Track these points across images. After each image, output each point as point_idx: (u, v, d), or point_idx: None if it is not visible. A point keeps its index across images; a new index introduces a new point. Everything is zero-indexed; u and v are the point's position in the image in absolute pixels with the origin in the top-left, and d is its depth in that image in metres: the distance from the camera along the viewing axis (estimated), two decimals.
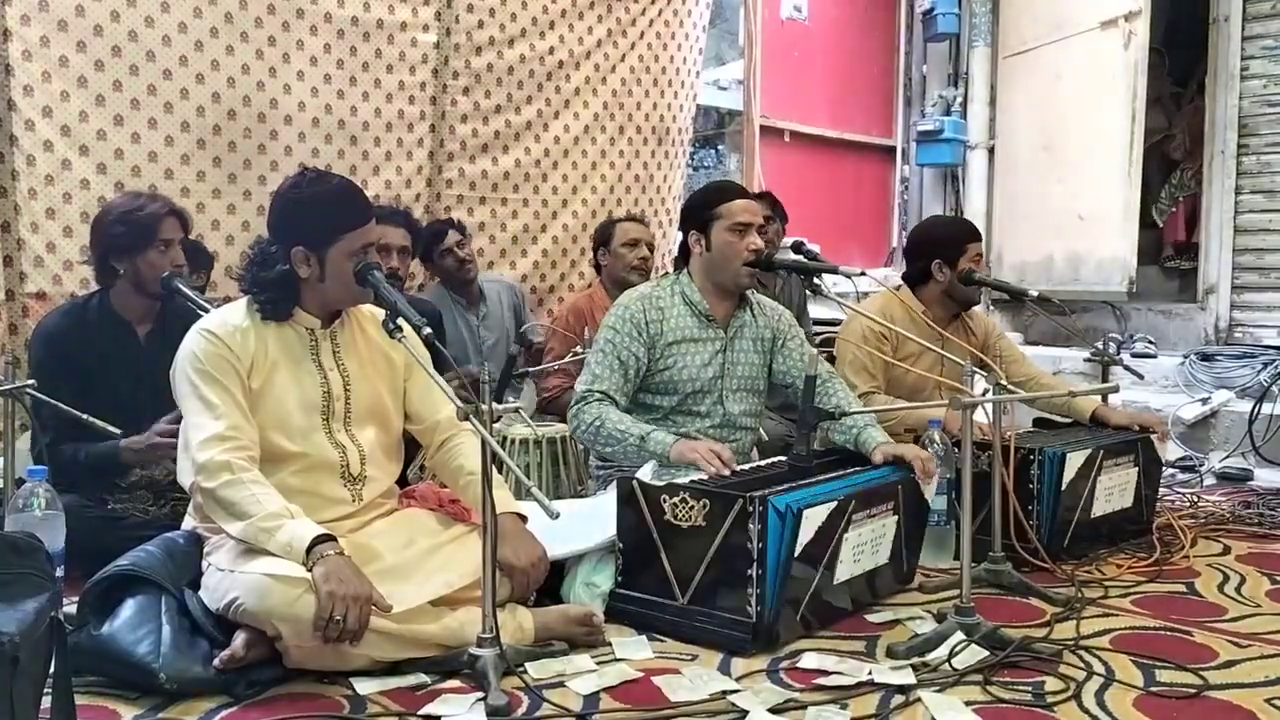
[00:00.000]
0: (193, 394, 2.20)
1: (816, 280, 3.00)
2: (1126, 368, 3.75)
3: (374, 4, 4.43)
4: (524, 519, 2.37)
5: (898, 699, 2.05)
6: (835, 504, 2.41)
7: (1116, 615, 2.58)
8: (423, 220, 4.68)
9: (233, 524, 2.11)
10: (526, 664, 2.16)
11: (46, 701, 1.61)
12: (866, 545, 2.55)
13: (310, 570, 2.03)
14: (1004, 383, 2.52)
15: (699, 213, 2.98)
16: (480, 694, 2.01)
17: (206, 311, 2.48)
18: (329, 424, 2.31)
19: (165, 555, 2.19)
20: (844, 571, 2.49)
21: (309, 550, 2.05)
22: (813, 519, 2.34)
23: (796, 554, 2.31)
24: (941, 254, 3.44)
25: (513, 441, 3.35)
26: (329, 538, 2.09)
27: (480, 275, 4.49)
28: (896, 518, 2.64)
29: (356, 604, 1.99)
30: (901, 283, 3.58)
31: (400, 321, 2.17)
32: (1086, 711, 2.00)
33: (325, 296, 2.31)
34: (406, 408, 2.48)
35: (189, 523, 2.33)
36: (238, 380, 2.21)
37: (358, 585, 2.01)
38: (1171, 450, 4.69)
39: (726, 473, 2.62)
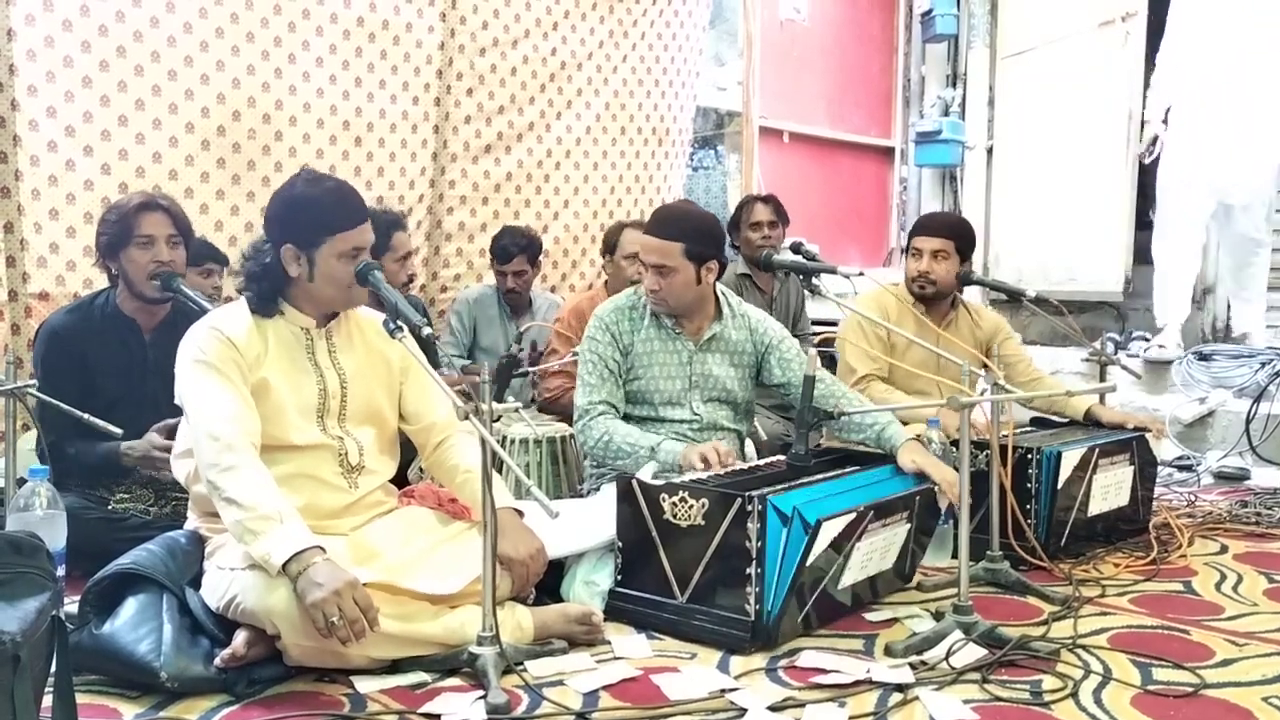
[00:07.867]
0: (196, 386, 2.19)
1: (815, 280, 3.00)
2: (1124, 367, 3.76)
3: (379, 5, 4.44)
4: (520, 514, 2.39)
5: (896, 697, 2.05)
6: (854, 515, 2.41)
7: (1114, 614, 2.58)
8: (424, 222, 4.71)
9: (227, 510, 2.08)
10: (526, 662, 2.17)
11: (48, 700, 1.62)
12: (876, 552, 2.55)
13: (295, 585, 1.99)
14: (1002, 383, 2.52)
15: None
16: (480, 692, 2.02)
17: (209, 311, 2.49)
18: (323, 420, 2.32)
19: (167, 554, 2.19)
20: (850, 577, 2.49)
21: (284, 567, 2.00)
22: (830, 530, 2.34)
23: (809, 563, 2.31)
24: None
25: (512, 441, 3.35)
26: (306, 550, 2.02)
27: (539, 293, 4.57)
28: (909, 526, 2.65)
29: (346, 595, 1.95)
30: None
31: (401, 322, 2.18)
32: (1084, 710, 2.00)
33: (316, 296, 2.31)
34: (403, 408, 2.48)
35: (191, 522, 2.34)
36: (239, 374, 2.21)
37: (338, 579, 1.97)
38: (1169, 449, 4.70)
39: (731, 464, 2.65)
